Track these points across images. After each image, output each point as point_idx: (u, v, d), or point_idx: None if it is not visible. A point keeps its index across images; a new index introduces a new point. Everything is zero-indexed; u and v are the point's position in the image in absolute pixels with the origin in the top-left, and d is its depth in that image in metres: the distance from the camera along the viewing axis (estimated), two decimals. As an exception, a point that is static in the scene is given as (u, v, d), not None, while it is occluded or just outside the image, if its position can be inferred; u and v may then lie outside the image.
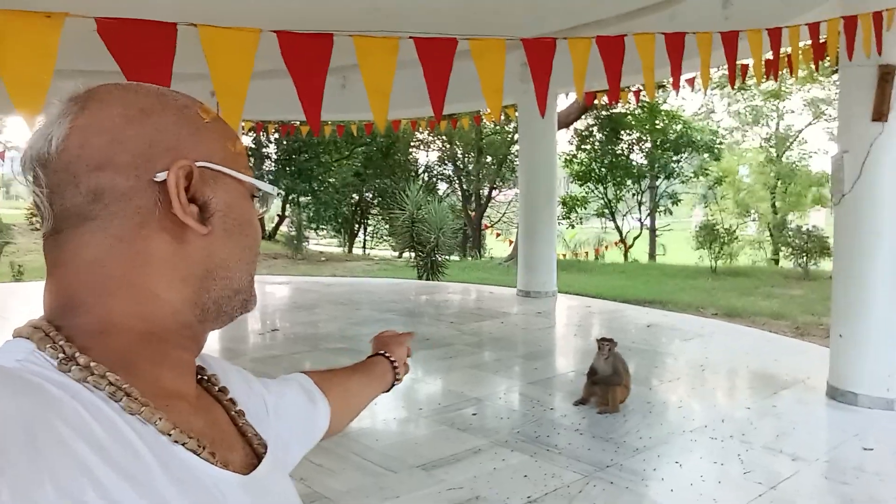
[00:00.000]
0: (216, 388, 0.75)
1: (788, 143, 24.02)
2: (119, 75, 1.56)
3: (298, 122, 11.86)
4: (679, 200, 22.39)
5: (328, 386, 1.03)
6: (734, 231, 16.12)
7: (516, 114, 10.00)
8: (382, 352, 1.20)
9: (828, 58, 5.82)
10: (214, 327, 0.68)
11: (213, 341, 7.09)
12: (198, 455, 0.60)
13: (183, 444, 0.59)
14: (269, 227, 23.61)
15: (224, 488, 0.61)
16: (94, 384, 0.57)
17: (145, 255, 0.62)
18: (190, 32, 1.68)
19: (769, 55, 6.57)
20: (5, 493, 0.45)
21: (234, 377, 0.82)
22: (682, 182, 22.25)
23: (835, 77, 16.66)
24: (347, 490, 3.40)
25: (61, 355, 0.58)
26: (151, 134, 0.63)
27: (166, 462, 0.57)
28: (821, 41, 5.63)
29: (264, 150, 20.93)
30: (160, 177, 0.62)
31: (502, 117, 15.25)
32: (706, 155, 21.18)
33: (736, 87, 21.44)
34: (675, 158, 20.68)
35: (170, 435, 0.59)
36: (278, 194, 0.74)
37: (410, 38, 2.00)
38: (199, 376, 0.74)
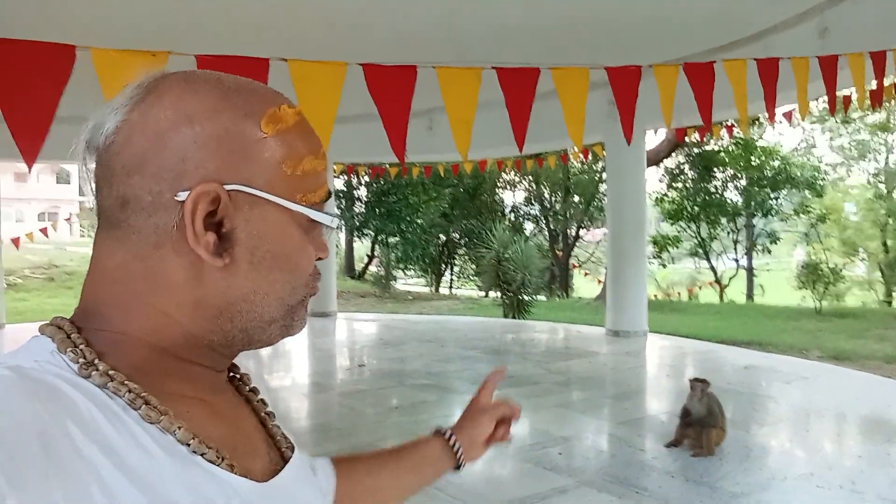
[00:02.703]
0: (247, 388, 0.73)
1: (899, 178, 22.59)
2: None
3: (388, 165, 12.20)
4: (778, 239, 21.38)
5: (347, 470, 0.90)
6: (840, 270, 15.20)
7: (604, 152, 9.92)
8: (445, 431, 1.03)
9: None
10: (250, 349, 0.65)
11: (303, 376, 7.28)
12: (217, 465, 0.58)
13: (202, 455, 0.57)
14: (358, 266, 24.20)
15: (244, 498, 0.58)
16: (113, 391, 0.55)
17: (159, 276, 0.59)
18: (280, 67, 1.79)
19: (873, 84, 6.27)
20: (11, 502, 0.45)
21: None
22: (782, 220, 21.27)
23: (949, 107, 15.62)
24: (431, 524, 3.37)
25: (82, 360, 0.56)
26: (188, 146, 0.58)
27: (183, 470, 0.55)
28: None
29: (355, 192, 21.58)
30: (182, 196, 0.57)
31: (590, 156, 15.12)
32: (807, 192, 20.22)
33: (839, 119, 20.49)
34: (772, 196, 19.85)
35: (188, 445, 0.57)
36: (339, 226, 0.70)
37: (493, 68, 2.04)
38: (231, 374, 0.72)
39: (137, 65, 1.59)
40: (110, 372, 0.56)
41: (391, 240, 21.63)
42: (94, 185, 0.60)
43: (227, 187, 0.58)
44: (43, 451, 0.48)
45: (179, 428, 0.56)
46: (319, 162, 0.65)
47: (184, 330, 0.60)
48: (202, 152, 0.58)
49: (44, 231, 13.27)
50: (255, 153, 0.60)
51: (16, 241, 12.68)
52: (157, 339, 0.60)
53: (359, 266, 24.38)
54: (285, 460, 0.69)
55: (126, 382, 0.56)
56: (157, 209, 0.58)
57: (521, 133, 2.22)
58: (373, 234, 22.13)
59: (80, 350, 0.56)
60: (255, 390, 0.73)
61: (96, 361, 0.56)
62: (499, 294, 13.59)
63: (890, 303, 17.69)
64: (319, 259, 0.66)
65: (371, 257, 23.56)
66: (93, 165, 0.60)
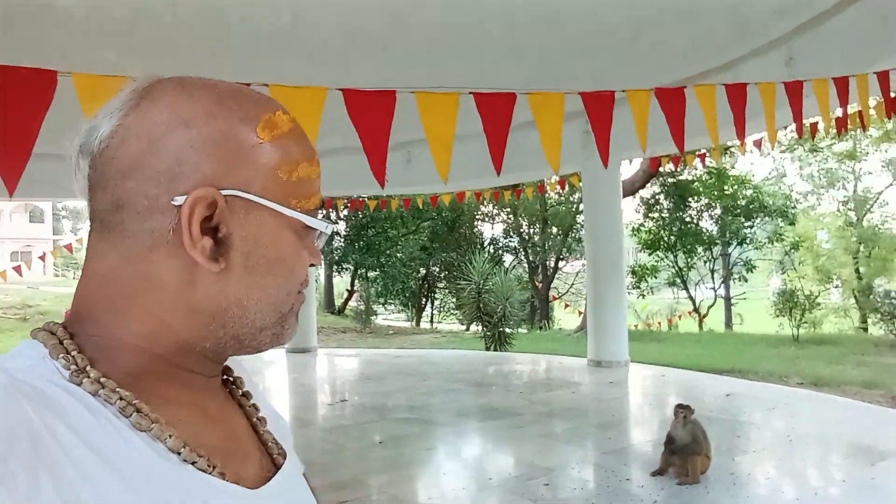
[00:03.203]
0: (240, 392, 0.73)
1: (868, 206, 23.08)
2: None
3: (366, 198, 12.21)
4: (754, 267, 21.64)
5: None
6: (815, 297, 15.39)
7: (580, 183, 10.02)
8: None
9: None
10: (240, 354, 0.65)
11: (284, 412, 7.14)
12: (208, 473, 0.57)
13: (193, 463, 0.57)
14: (338, 302, 24.05)
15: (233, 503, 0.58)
16: (104, 398, 0.55)
17: (153, 279, 0.58)
18: (261, 92, 1.78)
19: (839, 112, 6.43)
20: (5, 499, 0.45)
21: (251, 383, 0.79)
22: (756, 248, 21.55)
23: (913, 135, 16.09)
24: (415, 560, 3.29)
25: (73, 367, 0.56)
26: (184, 150, 0.57)
27: (172, 475, 0.55)
28: (893, 95, 5.49)
29: (334, 226, 21.53)
30: (178, 201, 0.57)
31: (567, 187, 15.29)
32: (780, 220, 20.55)
33: (807, 147, 20.97)
34: (746, 224, 20.14)
35: (179, 453, 0.56)
36: (335, 232, 0.69)
37: (470, 93, 2.06)
38: (225, 377, 0.72)
39: (120, 90, 1.58)
40: (101, 379, 0.56)
41: (371, 274, 21.56)
42: (87, 189, 0.60)
43: (224, 192, 0.58)
44: (32, 451, 0.48)
45: (170, 436, 0.56)
46: (314, 169, 0.65)
47: (177, 335, 0.60)
48: (198, 155, 0.58)
49: (17, 269, 13.03)
50: (251, 158, 0.60)
51: (-13, 281, 12.42)
52: (150, 343, 0.59)
53: (338, 301, 24.22)
54: (277, 466, 0.68)
55: (117, 390, 0.56)
56: (152, 213, 0.58)
57: (498, 157, 2.23)
58: (352, 268, 22.04)
59: (72, 357, 0.56)
60: (247, 395, 0.73)
61: (87, 368, 0.56)
62: (480, 327, 13.54)
63: (865, 329, 17.89)
64: (312, 265, 0.67)
65: (351, 292, 23.43)
66: (87, 169, 0.60)
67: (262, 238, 0.61)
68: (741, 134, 3.98)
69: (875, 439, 5.32)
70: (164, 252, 0.58)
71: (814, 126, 8.19)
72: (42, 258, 15.27)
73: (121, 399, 0.55)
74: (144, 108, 0.59)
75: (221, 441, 0.63)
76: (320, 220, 0.65)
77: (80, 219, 37.65)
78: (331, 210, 17.65)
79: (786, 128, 11.81)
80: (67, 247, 13.24)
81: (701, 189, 19.85)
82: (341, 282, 24.88)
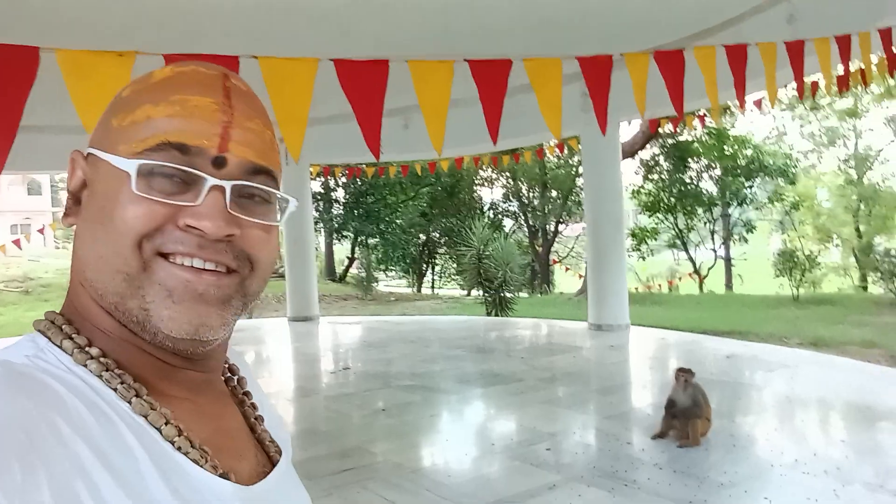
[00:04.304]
0: (241, 392, 0.73)
1: (869, 164, 22.96)
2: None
3: (364, 165, 12.13)
4: (754, 228, 21.61)
5: None
6: (815, 257, 15.38)
7: (579, 146, 9.93)
8: None
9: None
10: (153, 339, 0.58)
11: (287, 381, 7.19)
12: (200, 466, 0.57)
13: (186, 454, 0.56)
14: (339, 269, 24.08)
15: (223, 500, 0.57)
16: (107, 380, 0.56)
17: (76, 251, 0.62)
18: (251, 64, 1.73)
19: (840, 69, 6.33)
20: (1, 499, 0.45)
21: (254, 384, 0.78)
22: (757, 209, 21.50)
23: (916, 92, 15.90)
24: (420, 527, 3.33)
25: (76, 349, 0.57)
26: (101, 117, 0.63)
27: (166, 470, 0.54)
28: (895, 50, 5.39)
29: (333, 193, 21.45)
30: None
31: (566, 150, 15.17)
32: (780, 180, 20.46)
33: (808, 105, 20.76)
34: (747, 184, 20.06)
35: (173, 442, 0.56)
36: (147, 169, 0.56)
37: (465, 60, 2.01)
38: (229, 375, 0.73)
39: (104, 65, 1.54)
40: (102, 359, 0.57)
41: (371, 241, 21.55)
42: None
43: (86, 151, 0.61)
44: (29, 443, 0.47)
45: (166, 423, 0.56)
46: (160, 109, 0.58)
47: (96, 304, 0.60)
48: (101, 119, 0.63)
49: (16, 243, 13.00)
50: (109, 113, 0.61)
51: (-13, 255, 12.41)
52: (111, 324, 0.59)
53: (339, 269, 24.25)
54: (274, 464, 0.68)
55: (119, 373, 0.56)
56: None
57: (494, 125, 2.19)
58: (352, 235, 22.02)
59: (73, 339, 0.57)
60: (248, 394, 0.73)
61: (88, 348, 0.57)
62: (481, 292, 13.57)
63: (865, 288, 17.93)
64: (192, 228, 0.57)
65: (352, 259, 23.44)
66: None
67: (98, 188, 0.59)
68: (741, 95, 3.92)
69: (875, 399, 5.35)
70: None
71: (815, 84, 8.08)
72: (41, 231, 15.23)
73: (122, 383, 0.56)
74: None
75: (214, 436, 0.62)
76: (124, 159, 0.57)
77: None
78: (329, 177, 17.56)
79: (786, 86, 11.67)
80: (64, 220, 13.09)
81: (701, 150, 19.71)
82: (342, 249, 24.88)
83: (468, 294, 18.46)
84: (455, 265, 22.07)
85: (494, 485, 3.88)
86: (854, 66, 6.72)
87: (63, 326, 0.59)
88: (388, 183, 19.70)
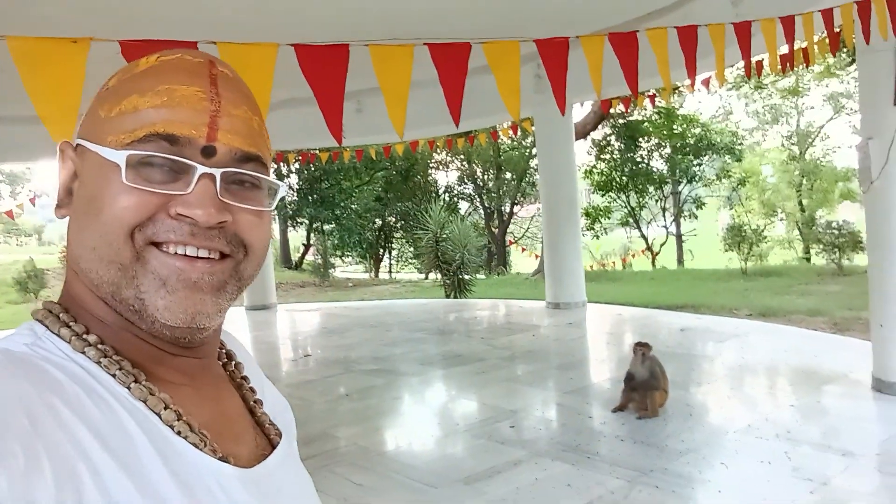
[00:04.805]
0: (239, 376, 0.73)
1: (811, 140, 23.70)
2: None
3: (318, 150, 11.99)
4: (703, 204, 22.14)
5: None
6: (762, 231, 15.86)
7: (533, 128, 10.01)
8: None
9: (845, 48, 5.74)
10: (150, 327, 0.59)
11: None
12: (199, 449, 0.58)
13: (185, 438, 0.57)
14: (294, 256, 23.83)
15: (223, 482, 0.58)
16: (105, 366, 0.56)
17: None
18: (210, 50, 1.71)
19: (784, 49, 6.51)
20: (3, 480, 0.45)
21: (266, 388, 0.80)
22: (705, 186, 22.01)
23: (853, 70, 16.46)
24: (390, 508, 3.37)
25: (73, 336, 0.57)
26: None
27: (165, 454, 0.55)
28: (836, 30, 5.56)
29: (286, 180, 21.14)
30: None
31: (519, 132, 15.26)
32: (727, 157, 20.98)
33: (752, 84, 21.28)
34: (695, 162, 20.51)
35: (172, 427, 0.57)
36: (137, 159, 0.57)
37: (425, 44, 2.01)
38: (226, 361, 0.73)
39: (58, 53, 1.49)
40: (101, 346, 0.57)
41: (326, 227, 21.34)
42: None
43: (75, 142, 0.61)
44: (32, 428, 0.48)
45: (165, 408, 0.57)
46: (147, 99, 0.58)
47: (91, 293, 0.60)
48: (85, 117, 0.63)
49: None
50: (92, 106, 0.62)
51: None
52: (106, 312, 0.60)
53: (295, 256, 23.99)
54: (274, 447, 0.69)
55: (118, 360, 0.57)
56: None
57: (456, 109, 2.20)
58: (307, 222, 21.79)
59: (71, 327, 0.58)
60: (246, 378, 0.74)
61: (86, 336, 0.58)
62: (439, 275, 13.61)
63: (809, 259, 18.58)
64: (183, 216, 0.57)
65: (307, 246, 23.21)
66: None
67: (87, 179, 0.59)
68: (692, 75, 4.01)
69: (820, 365, 5.59)
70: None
71: (759, 64, 8.30)
72: (-19, 226, 14.67)
73: (121, 369, 0.57)
74: None
75: (213, 420, 0.63)
76: (113, 151, 0.57)
77: (18, 182, 36.16)
78: (281, 164, 17.32)
79: (733, 66, 11.95)
80: (8, 213, 12.69)
81: (651, 129, 20.06)
82: (297, 236, 24.61)
83: (426, 277, 18.50)
84: (412, 249, 22.07)
85: (461, 464, 3.95)
86: (797, 45, 6.92)
87: (60, 315, 0.59)
88: (342, 168, 19.52)
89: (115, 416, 0.54)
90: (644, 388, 4.53)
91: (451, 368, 6.39)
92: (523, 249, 20.72)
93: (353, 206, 20.95)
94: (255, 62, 1.75)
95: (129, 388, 0.57)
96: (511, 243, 23.08)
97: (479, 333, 8.24)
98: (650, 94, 9.60)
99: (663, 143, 20.71)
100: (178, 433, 0.57)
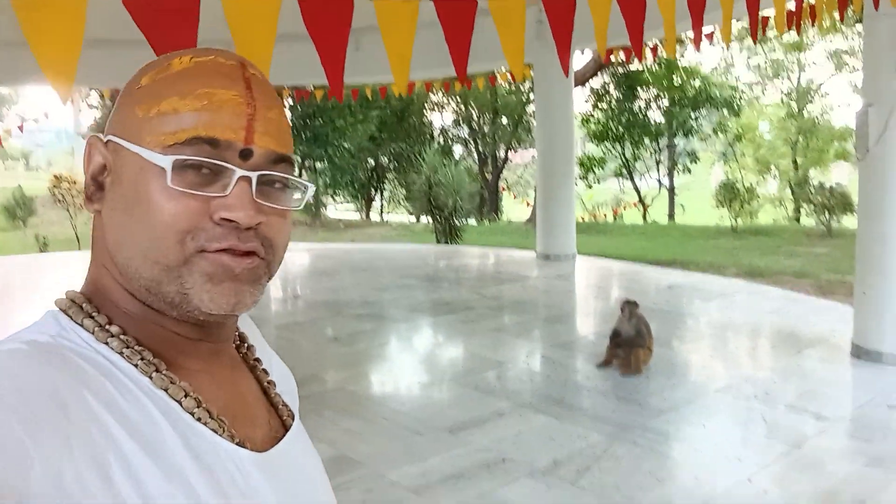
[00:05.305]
0: (252, 358, 0.75)
1: (810, 97, 23.50)
2: (145, 43, 1.56)
3: (312, 87, 11.79)
4: (697, 159, 22.07)
5: None
6: (754, 189, 15.88)
7: (532, 73, 9.86)
8: None
9: (852, 8, 5.65)
10: (183, 316, 0.62)
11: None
12: (218, 434, 0.60)
13: (205, 424, 0.60)
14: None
15: (240, 466, 0.61)
16: (128, 357, 0.59)
17: (99, 234, 0.64)
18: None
19: (791, 5, 6.39)
20: (37, 465, 0.47)
21: (273, 360, 0.81)
22: (701, 139, 21.90)
23: (858, 27, 16.20)
24: (377, 453, 3.46)
25: (97, 328, 0.60)
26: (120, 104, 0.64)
27: (188, 440, 0.58)
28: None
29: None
30: None
31: (518, 78, 15.04)
32: (725, 111, 20.80)
33: (757, 39, 20.94)
34: (693, 115, 20.34)
35: (192, 413, 0.60)
36: (181, 163, 0.58)
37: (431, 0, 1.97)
38: (239, 343, 0.75)
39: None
40: (123, 337, 0.60)
41: (318, 165, 21.16)
42: None
43: (105, 138, 0.63)
44: (63, 416, 0.50)
45: (185, 395, 0.60)
46: (186, 103, 0.59)
47: (119, 286, 0.63)
48: (118, 105, 0.64)
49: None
50: (130, 101, 0.62)
51: None
52: (129, 301, 0.62)
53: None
54: (286, 428, 0.71)
55: (139, 350, 0.60)
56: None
57: (462, 65, 2.16)
58: (299, 159, 21.58)
59: (94, 318, 0.61)
60: (258, 360, 0.76)
61: (108, 326, 0.60)
62: (430, 220, 13.61)
63: (798, 219, 18.69)
64: (227, 220, 0.59)
65: (298, 184, 23.02)
66: None
67: (124, 177, 0.61)
68: (698, 33, 3.94)
69: (802, 328, 5.70)
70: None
71: (765, 20, 8.16)
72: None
73: (142, 359, 0.59)
74: None
75: (229, 405, 0.65)
76: (158, 154, 0.58)
77: (4, 104, 35.37)
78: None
79: (738, 20, 11.73)
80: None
81: (650, 80, 19.80)
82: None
83: (417, 221, 18.48)
84: (404, 190, 21.96)
85: (447, 412, 4.03)
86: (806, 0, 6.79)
87: (83, 305, 0.62)
88: (336, 106, 19.23)
89: (140, 404, 0.57)
90: (629, 346, 4.61)
91: (439, 316, 6.47)
92: (515, 196, 20.69)
93: (346, 145, 20.73)
94: (258, 10, 1.71)
95: (150, 377, 0.59)
96: (503, 190, 23.03)
97: (469, 282, 8.31)
98: (652, 45, 9.44)
99: (662, 95, 20.49)
100: (199, 420, 0.60)
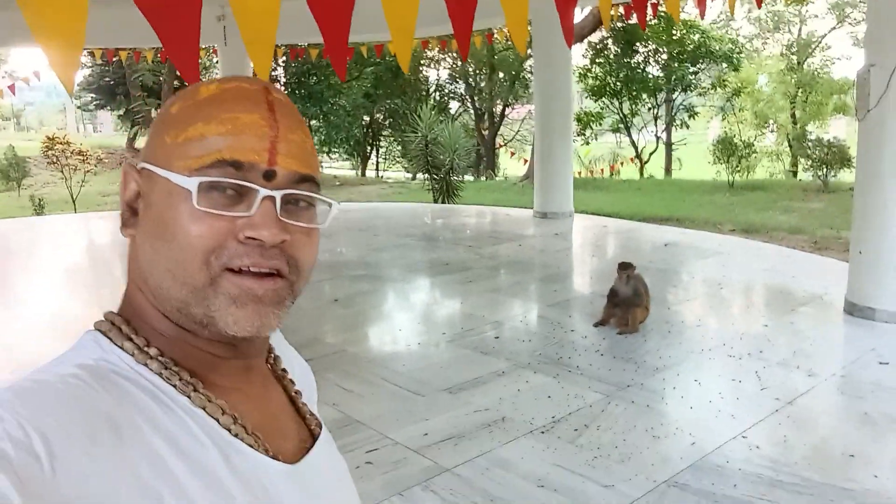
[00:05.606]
0: (280, 369, 0.78)
1: (811, 50, 23.22)
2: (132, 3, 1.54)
3: (307, 45, 11.62)
4: (696, 113, 21.89)
5: None
6: (752, 143, 15.79)
7: (529, 28, 9.71)
8: None
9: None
10: (213, 336, 0.64)
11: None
12: (255, 450, 0.64)
13: (242, 440, 0.63)
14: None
15: (275, 479, 0.64)
16: (167, 378, 0.62)
17: (132, 257, 0.67)
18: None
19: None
20: (93, 480, 0.51)
21: (293, 359, 0.84)
22: (700, 94, 21.69)
23: (862, -22, 15.91)
24: (378, 414, 3.54)
25: (136, 351, 0.63)
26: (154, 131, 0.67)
27: (228, 456, 0.61)
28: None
29: (273, 73, 20.57)
30: None
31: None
32: (724, 65, 20.56)
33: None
34: (692, 70, 20.10)
35: (229, 430, 0.63)
36: (206, 185, 0.60)
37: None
38: (266, 354, 0.77)
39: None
40: (161, 358, 0.63)
41: (313, 123, 20.97)
42: None
43: (139, 165, 0.66)
44: (116, 435, 0.54)
45: (223, 413, 0.63)
46: (211, 127, 0.62)
47: (153, 307, 0.65)
48: (152, 133, 0.67)
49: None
50: (162, 129, 0.65)
51: None
52: (162, 322, 0.65)
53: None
54: (314, 437, 0.74)
55: (177, 371, 0.62)
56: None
57: (465, 42, 2.15)
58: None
59: (133, 340, 0.63)
60: (285, 370, 0.78)
61: (146, 348, 0.63)
62: (427, 177, 13.57)
63: (795, 174, 18.64)
64: (252, 239, 0.61)
65: (294, 141, 22.84)
66: None
67: (155, 202, 0.63)
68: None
69: (796, 285, 5.77)
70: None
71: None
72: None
73: (181, 380, 0.62)
74: None
75: (261, 420, 0.68)
76: (184, 177, 0.61)
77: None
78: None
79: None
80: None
81: (649, 34, 19.50)
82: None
83: (413, 178, 18.41)
84: (400, 147, 21.82)
85: (446, 372, 4.11)
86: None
87: (122, 328, 0.64)
88: (331, 63, 18.97)
89: (184, 423, 0.60)
90: (626, 305, 4.68)
91: (437, 276, 6.52)
92: (512, 153, 20.57)
93: (341, 103, 20.51)
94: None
95: (189, 396, 0.62)
96: (500, 146, 22.88)
97: (466, 241, 8.34)
98: (653, 2, 9.29)
99: (661, 49, 20.21)
100: (236, 436, 0.63)
